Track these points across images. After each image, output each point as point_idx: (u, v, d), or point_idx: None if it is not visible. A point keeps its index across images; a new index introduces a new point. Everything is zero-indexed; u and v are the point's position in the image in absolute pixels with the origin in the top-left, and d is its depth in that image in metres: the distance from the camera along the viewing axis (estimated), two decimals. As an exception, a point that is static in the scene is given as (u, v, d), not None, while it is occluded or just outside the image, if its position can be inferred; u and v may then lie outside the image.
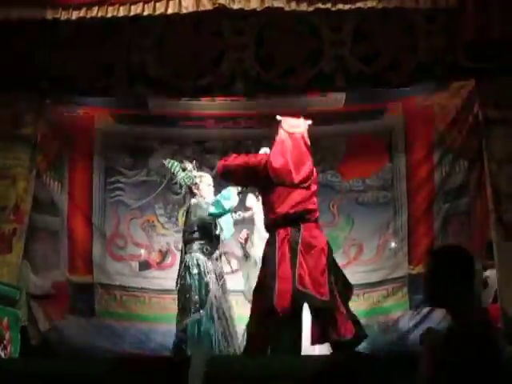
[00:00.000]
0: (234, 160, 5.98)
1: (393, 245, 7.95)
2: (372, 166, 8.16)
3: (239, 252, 7.23)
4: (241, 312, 6.66)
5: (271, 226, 5.81)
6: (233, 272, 7.57)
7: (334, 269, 5.66)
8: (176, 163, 7.09)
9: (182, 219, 8.26)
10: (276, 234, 5.66)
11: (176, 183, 7.17)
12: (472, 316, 2.94)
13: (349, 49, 6.87)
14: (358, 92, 7.58)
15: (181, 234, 8.41)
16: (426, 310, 7.51)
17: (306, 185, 5.78)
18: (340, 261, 7.76)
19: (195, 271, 6.64)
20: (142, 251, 8.41)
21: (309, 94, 7.77)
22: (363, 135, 8.14)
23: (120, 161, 8.54)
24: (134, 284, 8.19)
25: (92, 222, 8.33)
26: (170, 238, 8.47)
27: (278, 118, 5.99)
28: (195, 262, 6.68)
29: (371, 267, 7.92)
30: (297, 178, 5.74)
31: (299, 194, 5.72)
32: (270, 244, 5.75)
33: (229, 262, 7.45)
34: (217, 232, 6.89)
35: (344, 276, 5.76)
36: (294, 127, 5.96)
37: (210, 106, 8.31)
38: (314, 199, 5.83)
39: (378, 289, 7.82)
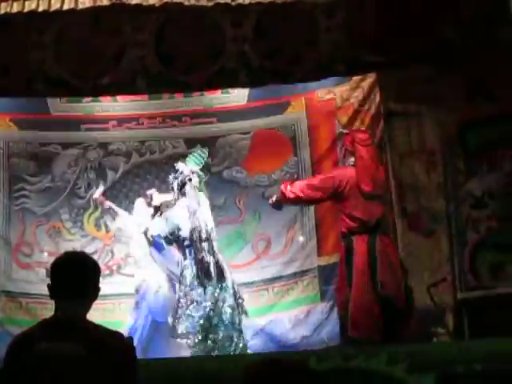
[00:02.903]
0: (305, 192, 6.77)
1: (301, 238, 7.96)
2: (277, 160, 8.16)
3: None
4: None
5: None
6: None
7: None
8: None
9: (87, 224, 8.13)
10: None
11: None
12: None
13: (250, 44, 6.83)
14: (261, 88, 7.56)
15: (87, 239, 8.40)
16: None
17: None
18: (248, 256, 7.88)
19: None
20: (49, 258, 8.18)
21: (211, 90, 7.74)
22: (267, 130, 8.16)
23: (24, 168, 8.32)
24: (41, 291, 7.94)
25: (-5, 231, 8.10)
26: (76, 243, 8.25)
27: (344, 130, 6.92)
28: None
29: (280, 261, 7.90)
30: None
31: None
32: None
33: None
34: None
35: None
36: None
37: (112, 106, 8.20)
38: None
39: (288, 282, 7.81)
